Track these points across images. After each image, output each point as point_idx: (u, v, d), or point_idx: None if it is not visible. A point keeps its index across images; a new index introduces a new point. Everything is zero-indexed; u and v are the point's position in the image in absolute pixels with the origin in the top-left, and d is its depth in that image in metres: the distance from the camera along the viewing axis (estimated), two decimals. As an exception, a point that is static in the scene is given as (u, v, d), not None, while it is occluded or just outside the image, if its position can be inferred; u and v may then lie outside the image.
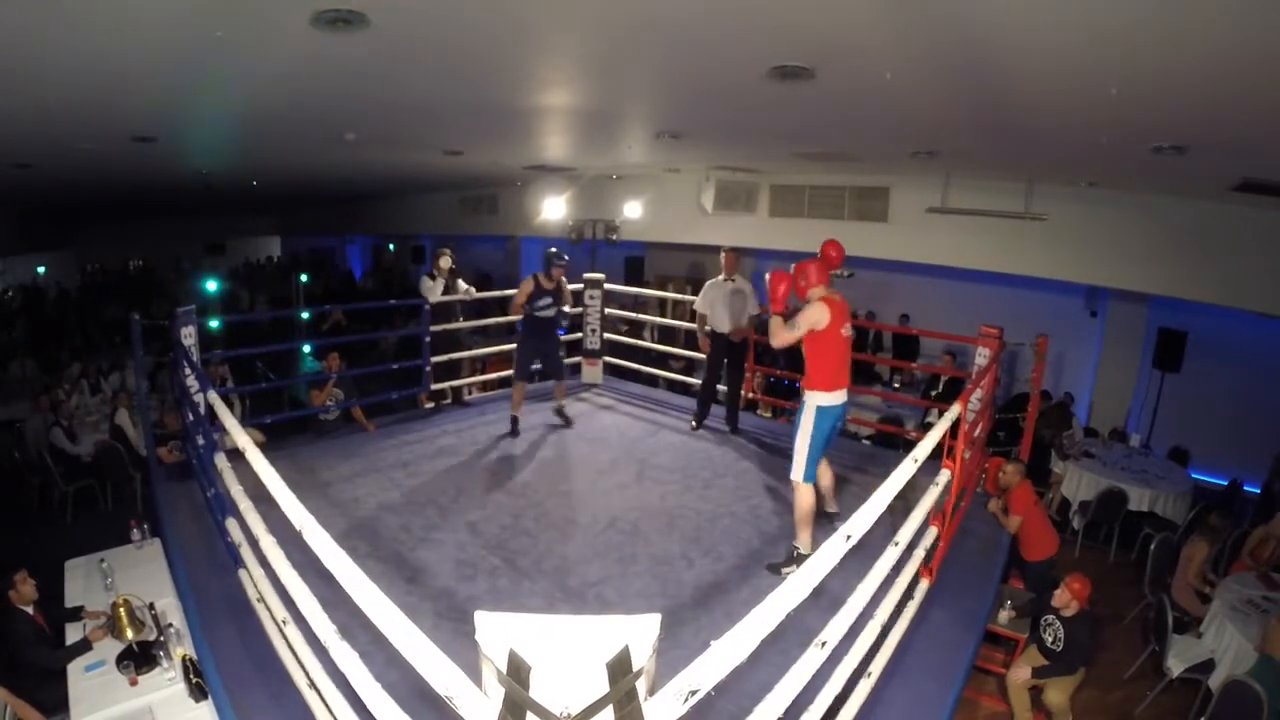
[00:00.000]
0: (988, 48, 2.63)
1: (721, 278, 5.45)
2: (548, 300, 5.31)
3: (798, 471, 3.52)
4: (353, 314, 13.37)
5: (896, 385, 8.68)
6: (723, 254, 5.46)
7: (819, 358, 3.47)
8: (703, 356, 5.80)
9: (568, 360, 7.65)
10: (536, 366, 5.61)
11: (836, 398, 3.52)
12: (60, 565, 3.98)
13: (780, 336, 3.46)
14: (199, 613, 3.22)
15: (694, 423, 5.81)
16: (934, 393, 7.76)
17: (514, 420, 5.53)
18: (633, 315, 7.68)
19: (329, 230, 19.28)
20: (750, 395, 6.63)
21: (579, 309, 7.03)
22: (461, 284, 5.93)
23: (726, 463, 5.14)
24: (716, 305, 5.46)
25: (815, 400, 3.49)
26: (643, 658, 1.11)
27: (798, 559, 3.50)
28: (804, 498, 3.54)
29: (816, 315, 3.41)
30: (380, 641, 1.43)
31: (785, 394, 7.15)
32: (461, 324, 6.16)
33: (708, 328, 5.54)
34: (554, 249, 5.43)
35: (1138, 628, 5.11)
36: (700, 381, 5.99)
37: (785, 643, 1.76)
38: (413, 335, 6.75)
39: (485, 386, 7.40)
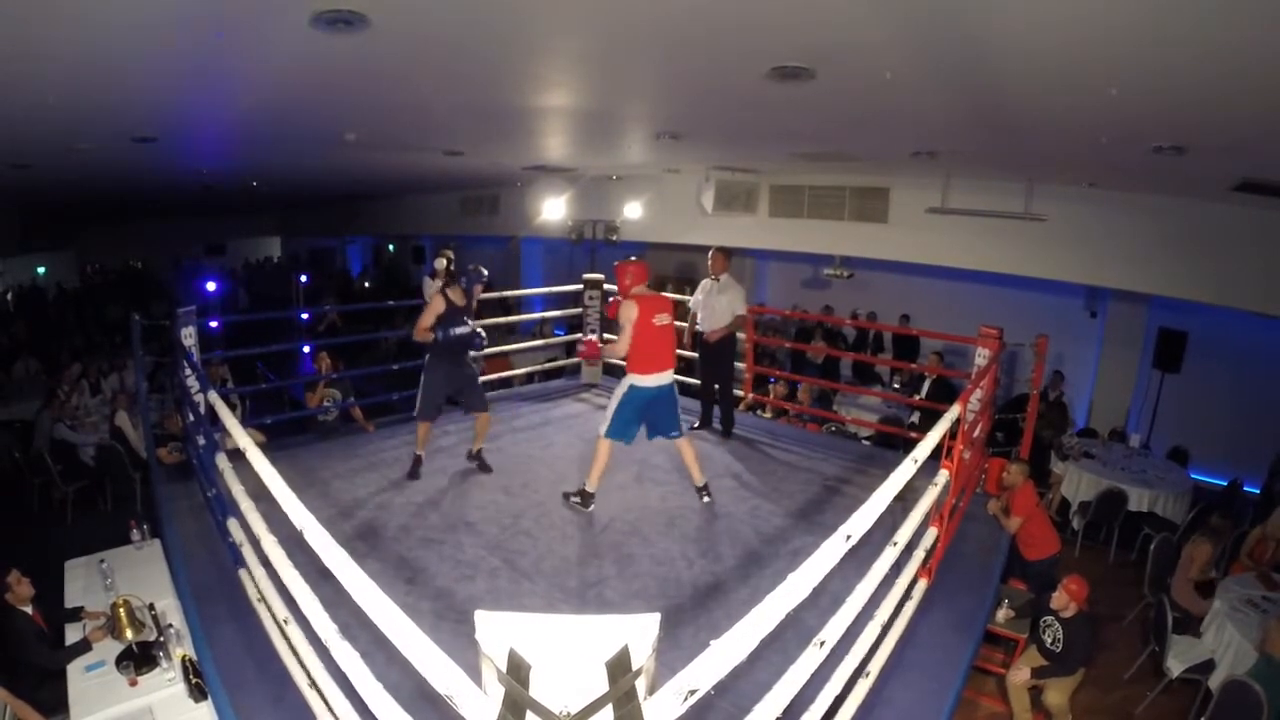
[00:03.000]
0: (988, 48, 2.63)
1: (710, 278, 5.45)
2: (461, 320, 4.56)
3: (600, 429, 4.21)
4: (350, 314, 13.36)
5: (897, 385, 8.68)
6: (711, 254, 5.47)
7: (634, 345, 4.07)
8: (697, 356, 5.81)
9: (568, 360, 7.68)
10: (443, 403, 4.86)
11: (650, 380, 4.11)
12: (60, 565, 3.98)
13: (617, 347, 4.14)
14: (199, 613, 3.22)
15: (695, 422, 5.77)
16: (917, 395, 7.74)
17: (417, 460, 4.74)
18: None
19: (329, 230, 19.29)
20: (751, 396, 6.64)
21: (578, 309, 7.04)
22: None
23: (725, 463, 5.14)
24: (704, 305, 5.47)
25: (628, 380, 4.15)
26: (642, 657, 1.11)
27: (583, 495, 4.27)
28: (601, 450, 4.22)
29: (628, 311, 4.02)
30: (381, 641, 1.43)
31: (788, 396, 7.15)
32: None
33: (697, 327, 5.57)
34: (451, 258, 4.73)
35: (1138, 628, 5.11)
36: (700, 383, 5.95)
37: (784, 642, 1.76)
38: (408, 336, 6.70)
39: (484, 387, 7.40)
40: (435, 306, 4.49)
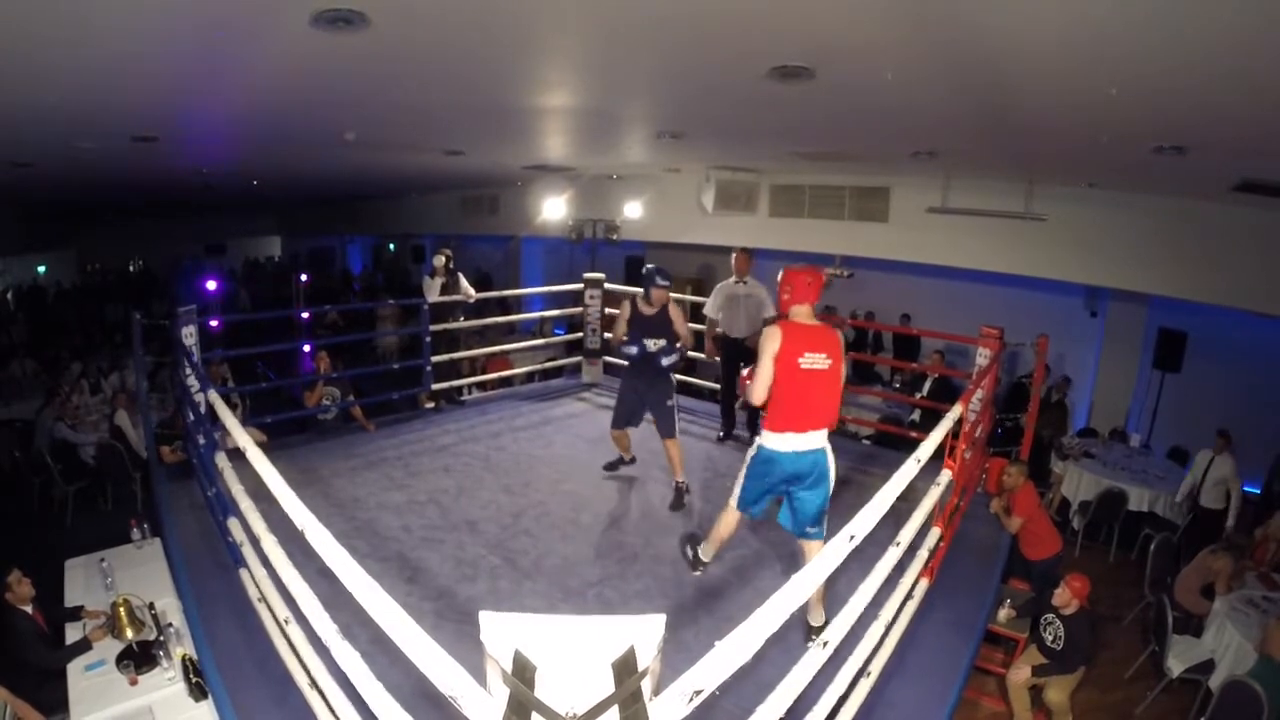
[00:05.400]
0: (988, 47, 2.63)
1: (733, 279, 5.23)
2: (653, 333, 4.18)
3: (731, 497, 3.24)
4: (350, 314, 13.37)
5: (897, 385, 8.69)
6: (734, 255, 5.27)
7: (773, 391, 2.96)
8: (701, 356, 5.71)
9: (567, 360, 7.68)
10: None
11: (783, 442, 2.95)
12: (60, 565, 3.98)
13: (753, 389, 2.97)
14: (199, 612, 3.22)
15: (720, 434, 5.59)
16: (919, 394, 7.76)
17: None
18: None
19: (329, 230, 19.29)
20: None
21: (578, 309, 7.04)
22: (464, 283, 5.91)
23: (726, 463, 5.14)
24: (728, 308, 5.24)
25: (759, 439, 3.08)
26: (648, 658, 1.11)
27: (695, 559, 3.50)
28: (722, 519, 3.30)
29: (769, 342, 2.92)
30: (381, 641, 1.42)
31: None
32: (453, 324, 6.07)
33: (718, 331, 5.30)
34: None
35: (1138, 628, 5.11)
36: (720, 388, 5.69)
37: (788, 643, 1.76)
38: (412, 335, 6.68)
39: (484, 387, 7.41)
40: (624, 313, 4.20)
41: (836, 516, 2.68)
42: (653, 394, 4.24)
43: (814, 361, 2.90)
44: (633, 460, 4.78)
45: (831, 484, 3.05)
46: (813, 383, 2.91)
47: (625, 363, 4.36)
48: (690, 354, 5.30)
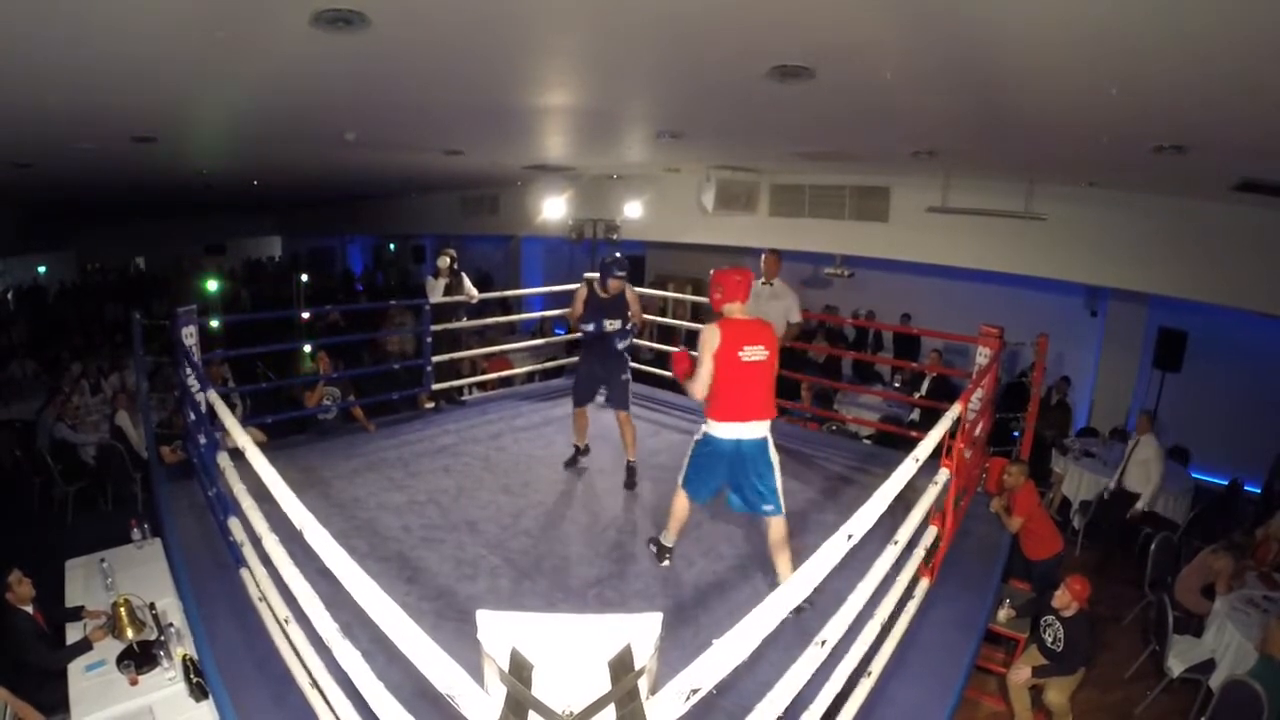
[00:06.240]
0: (988, 47, 2.63)
1: (761, 281, 5.14)
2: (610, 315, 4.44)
3: (679, 476, 3.50)
4: (351, 314, 13.36)
5: (897, 385, 8.69)
6: (764, 257, 5.22)
7: (713, 383, 3.20)
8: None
9: (567, 360, 7.68)
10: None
11: (727, 430, 3.19)
12: (60, 565, 3.98)
13: (694, 383, 3.21)
14: (200, 612, 3.22)
15: None
16: (917, 393, 7.76)
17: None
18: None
19: (329, 230, 19.31)
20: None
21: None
22: (467, 283, 5.91)
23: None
24: (753, 309, 5.18)
25: (703, 426, 3.32)
26: (645, 656, 1.11)
27: (659, 547, 3.70)
28: (675, 502, 3.54)
29: (709, 338, 3.17)
30: (381, 641, 1.43)
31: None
32: (456, 324, 6.07)
33: None
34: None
35: (1138, 628, 5.11)
36: None
37: (786, 641, 1.76)
38: (412, 335, 6.66)
39: (484, 387, 7.41)
40: (581, 294, 4.50)
41: (836, 515, 2.68)
42: (608, 372, 4.55)
43: (753, 354, 3.15)
44: (587, 450, 4.97)
45: (777, 467, 3.26)
46: (753, 373, 3.16)
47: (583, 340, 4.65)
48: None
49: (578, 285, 4.65)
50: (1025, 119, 3.77)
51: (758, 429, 3.21)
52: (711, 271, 3.32)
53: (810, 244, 8.13)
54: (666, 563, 3.67)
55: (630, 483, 4.60)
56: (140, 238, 18.02)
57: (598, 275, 4.51)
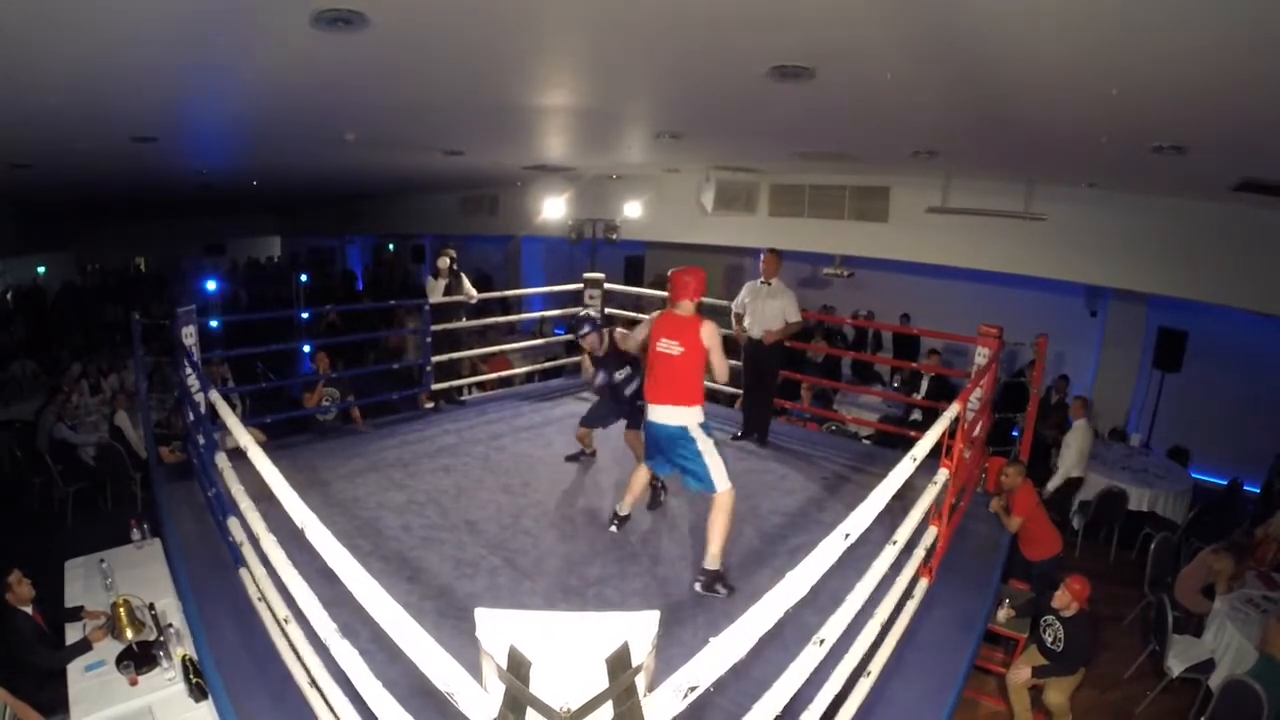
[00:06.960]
0: (988, 48, 2.63)
1: (760, 281, 5.23)
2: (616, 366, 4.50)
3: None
4: (350, 314, 13.35)
5: (896, 385, 8.69)
6: (763, 256, 5.28)
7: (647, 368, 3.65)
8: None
9: (568, 360, 7.68)
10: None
11: (650, 412, 3.55)
12: (60, 565, 3.98)
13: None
14: (199, 612, 3.22)
15: (737, 432, 5.55)
16: (916, 393, 7.75)
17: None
18: (634, 315, 7.67)
19: (329, 230, 19.27)
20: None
21: (578, 309, 7.03)
22: (467, 284, 5.91)
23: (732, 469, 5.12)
24: (748, 309, 5.25)
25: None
26: (642, 654, 1.11)
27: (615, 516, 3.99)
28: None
29: (641, 328, 3.60)
30: (381, 639, 1.43)
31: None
32: (455, 325, 6.06)
33: (746, 322, 5.31)
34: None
35: (1138, 627, 5.11)
36: (742, 393, 5.69)
37: (784, 640, 1.76)
38: (411, 335, 6.64)
39: (484, 387, 7.41)
40: (585, 363, 4.65)
41: (834, 515, 2.68)
42: (621, 408, 4.66)
43: (668, 347, 3.48)
44: (593, 454, 5.06)
45: (707, 453, 3.47)
46: (664, 364, 3.51)
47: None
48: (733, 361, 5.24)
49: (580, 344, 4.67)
50: (1025, 118, 3.77)
51: (667, 414, 3.49)
52: (669, 272, 3.59)
53: (810, 244, 8.13)
54: (614, 529, 3.94)
55: (654, 502, 4.36)
56: (140, 238, 17.99)
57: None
